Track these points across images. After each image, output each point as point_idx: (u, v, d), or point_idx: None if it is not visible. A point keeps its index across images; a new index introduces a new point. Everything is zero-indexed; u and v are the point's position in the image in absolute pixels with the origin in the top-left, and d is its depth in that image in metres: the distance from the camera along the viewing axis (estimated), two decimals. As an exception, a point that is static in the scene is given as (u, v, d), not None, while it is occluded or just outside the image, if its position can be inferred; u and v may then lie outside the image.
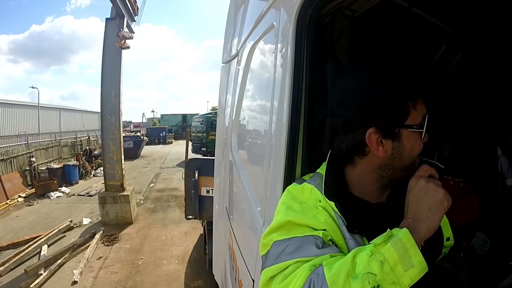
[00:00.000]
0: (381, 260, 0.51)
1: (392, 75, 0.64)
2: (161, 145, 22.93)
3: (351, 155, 0.69)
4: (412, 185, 0.62)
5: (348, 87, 0.70)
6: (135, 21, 6.52)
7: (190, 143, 12.30)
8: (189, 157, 4.15)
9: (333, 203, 0.64)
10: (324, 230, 0.61)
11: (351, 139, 0.66)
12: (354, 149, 0.67)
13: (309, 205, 0.66)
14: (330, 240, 0.61)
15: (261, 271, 0.64)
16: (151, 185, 9.46)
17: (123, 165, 6.26)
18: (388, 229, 0.55)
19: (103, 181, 6.41)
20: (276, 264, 0.60)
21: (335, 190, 0.67)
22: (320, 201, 0.66)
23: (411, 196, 0.61)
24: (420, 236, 0.55)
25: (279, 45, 0.90)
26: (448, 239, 0.80)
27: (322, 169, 0.74)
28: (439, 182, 0.61)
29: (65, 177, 9.42)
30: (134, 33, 6.36)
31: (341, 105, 0.70)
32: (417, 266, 0.52)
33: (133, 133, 19.78)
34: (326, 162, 0.73)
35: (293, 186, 0.74)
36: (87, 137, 16.02)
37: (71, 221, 5.87)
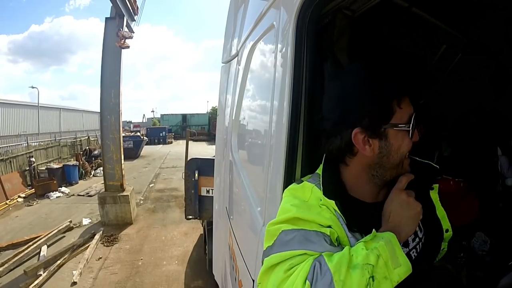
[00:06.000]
0: (377, 254, 0.56)
1: (374, 75, 0.66)
2: (161, 145, 22.90)
3: (342, 156, 0.71)
4: (395, 197, 0.67)
5: (334, 91, 0.73)
6: (134, 20, 6.51)
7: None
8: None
9: (333, 201, 0.66)
10: (330, 226, 0.63)
11: (339, 140, 0.69)
12: (343, 150, 0.69)
13: (311, 204, 0.67)
14: (336, 239, 0.63)
15: (263, 260, 0.64)
16: (151, 185, 9.45)
17: (122, 165, 6.24)
18: (374, 230, 0.60)
19: (102, 181, 6.40)
20: (281, 252, 0.61)
21: (332, 190, 0.68)
22: (321, 200, 0.67)
23: (394, 206, 0.66)
24: (400, 239, 0.62)
25: (279, 45, 0.90)
26: (447, 230, 0.82)
27: (320, 170, 0.75)
28: (413, 193, 0.68)
29: (64, 177, 9.41)
30: (133, 32, 6.35)
31: (329, 109, 0.72)
32: (404, 266, 0.57)
33: (133, 133, 19.76)
34: (322, 163, 0.75)
35: (293, 186, 0.75)
36: (86, 137, 16.00)
37: (70, 222, 5.86)
